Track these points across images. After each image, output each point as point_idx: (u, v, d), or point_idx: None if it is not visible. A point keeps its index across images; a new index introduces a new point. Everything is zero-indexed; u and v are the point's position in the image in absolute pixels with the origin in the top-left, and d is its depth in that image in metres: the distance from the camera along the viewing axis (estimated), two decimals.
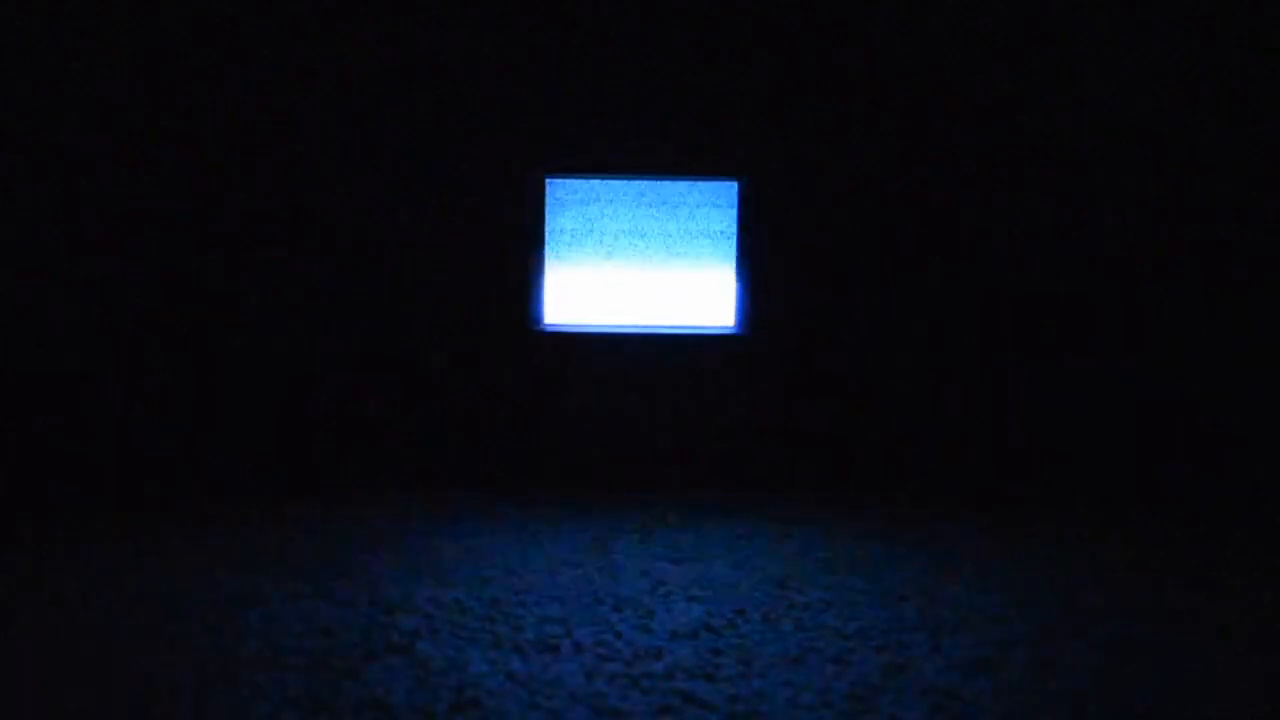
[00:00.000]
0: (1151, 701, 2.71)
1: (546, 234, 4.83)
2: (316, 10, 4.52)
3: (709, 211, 4.25)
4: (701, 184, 4.26)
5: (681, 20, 4.58)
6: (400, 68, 4.57)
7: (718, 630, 3.13)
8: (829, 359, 4.80)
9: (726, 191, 4.59)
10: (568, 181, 4.35)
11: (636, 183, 4.03)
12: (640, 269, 4.17)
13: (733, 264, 4.88)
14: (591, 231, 4.11)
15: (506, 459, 4.82)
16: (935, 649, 3.02)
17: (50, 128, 4.53)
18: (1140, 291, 4.78)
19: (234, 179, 4.60)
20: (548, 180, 4.85)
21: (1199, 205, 4.73)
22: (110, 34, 4.49)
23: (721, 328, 4.88)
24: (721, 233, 4.36)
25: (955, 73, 4.65)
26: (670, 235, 4.21)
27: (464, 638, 3.04)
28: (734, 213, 4.53)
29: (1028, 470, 4.91)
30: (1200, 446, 4.87)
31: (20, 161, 4.54)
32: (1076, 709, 2.66)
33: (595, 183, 4.23)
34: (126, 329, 4.65)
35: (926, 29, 4.62)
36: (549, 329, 4.80)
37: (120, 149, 4.56)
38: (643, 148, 4.64)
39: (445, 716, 2.57)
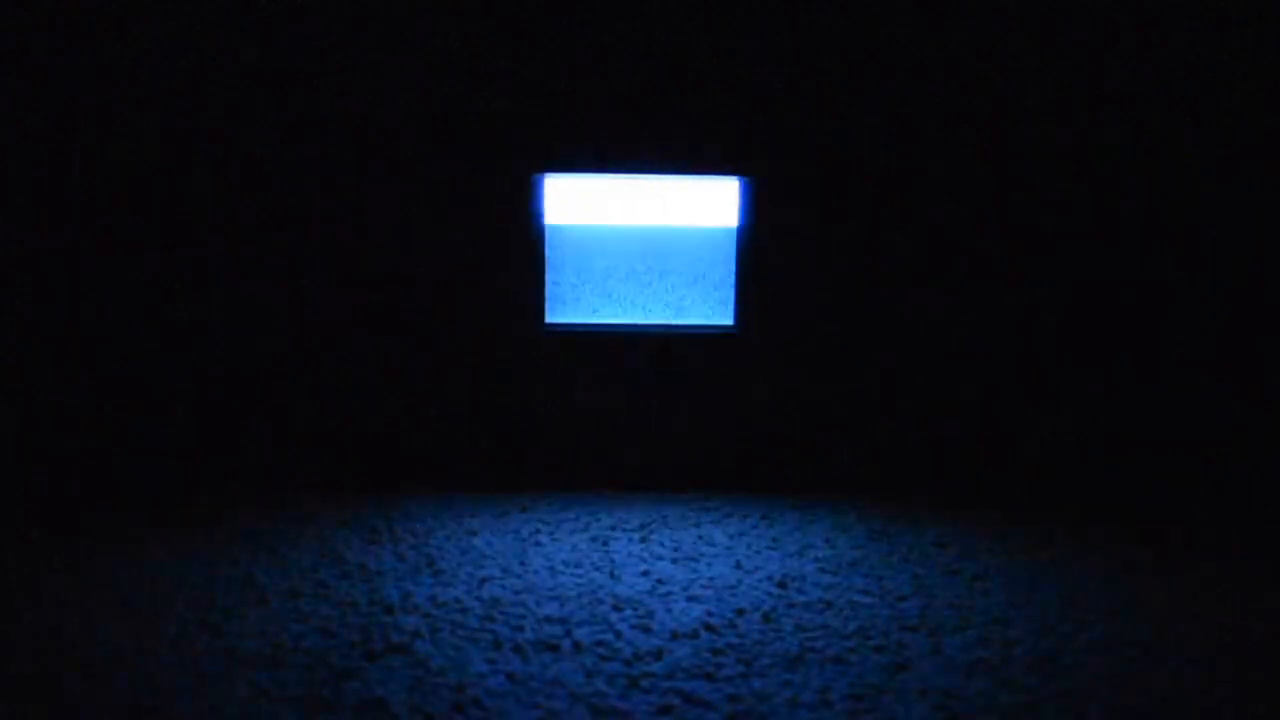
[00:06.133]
0: (1151, 701, 2.71)
1: (545, 234, 4.81)
2: (317, 11, 4.51)
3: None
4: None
5: (684, 19, 4.58)
6: (398, 68, 4.57)
7: (718, 630, 3.13)
8: (828, 358, 4.80)
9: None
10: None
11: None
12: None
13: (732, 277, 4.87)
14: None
15: (505, 458, 4.82)
16: (935, 649, 3.02)
17: (52, 128, 4.53)
18: (1143, 294, 4.78)
19: (234, 180, 4.59)
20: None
21: (1209, 212, 4.73)
22: (111, 35, 4.48)
23: (721, 326, 4.88)
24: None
25: (960, 72, 4.65)
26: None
27: (464, 637, 3.04)
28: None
29: (1027, 471, 4.91)
30: (1202, 449, 4.87)
31: (20, 161, 4.54)
32: (1076, 709, 2.66)
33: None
34: (127, 330, 4.64)
35: (931, 29, 4.61)
36: (549, 328, 4.80)
37: (120, 150, 4.55)
38: (645, 146, 4.64)
39: (445, 717, 2.57)
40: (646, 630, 3.12)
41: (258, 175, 4.60)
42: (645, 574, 3.61)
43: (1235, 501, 4.75)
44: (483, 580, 3.52)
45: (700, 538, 4.03)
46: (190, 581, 3.45)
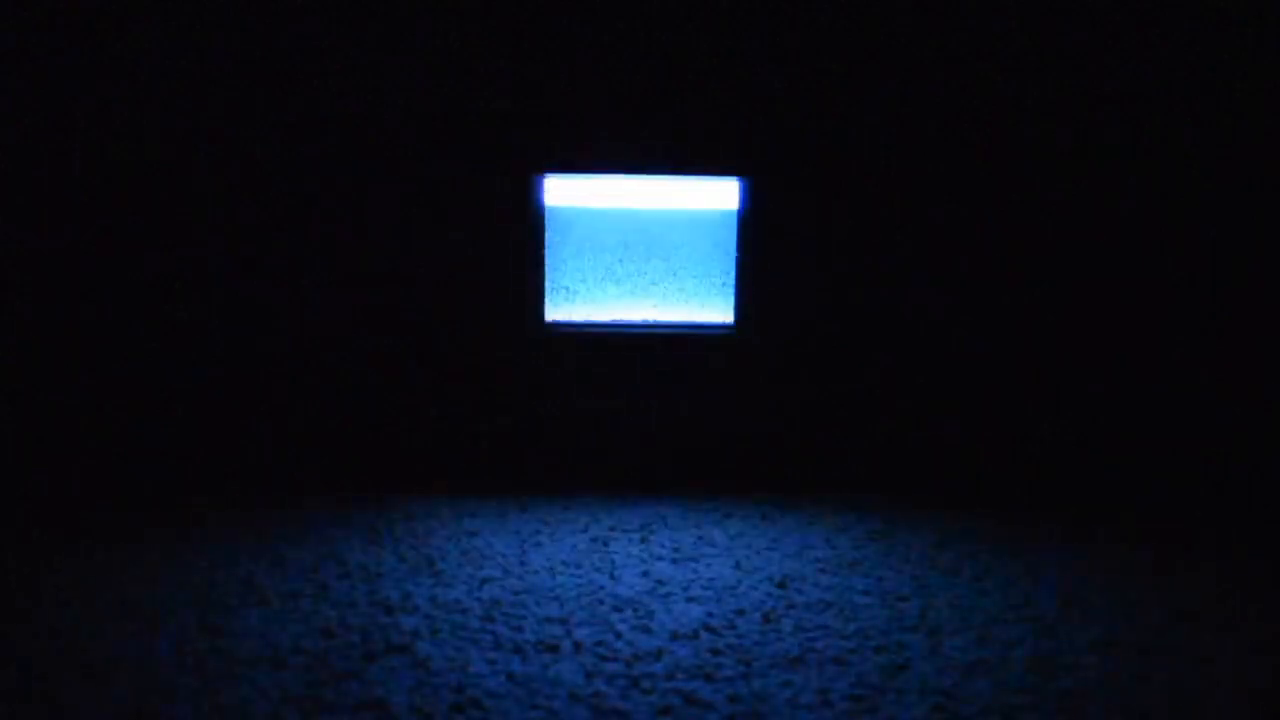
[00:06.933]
0: (1151, 701, 2.71)
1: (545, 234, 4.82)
2: (317, 11, 4.51)
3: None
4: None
5: (683, 19, 4.58)
6: (398, 67, 4.57)
7: (717, 630, 3.13)
8: (828, 358, 4.80)
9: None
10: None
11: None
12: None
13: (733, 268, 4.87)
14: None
15: (505, 458, 4.82)
16: (935, 649, 3.02)
17: (52, 128, 4.53)
18: (1143, 294, 4.78)
19: (234, 180, 4.59)
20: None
21: (1209, 212, 4.73)
22: (111, 35, 4.48)
23: (721, 325, 4.88)
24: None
25: (960, 72, 4.65)
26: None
27: (464, 638, 3.04)
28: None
29: (1027, 471, 4.91)
30: (1202, 449, 4.87)
31: (20, 160, 4.54)
32: (1076, 709, 2.66)
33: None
34: (127, 330, 4.64)
35: (931, 29, 4.61)
36: (549, 327, 4.80)
37: (120, 150, 4.55)
38: (645, 146, 4.64)
39: (445, 716, 2.57)
40: (646, 631, 3.12)
41: (258, 175, 4.60)
42: (645, 574, 3.61)
43: (1235, 501, 4.75)
44: (483, 581, 3.52)
45: (700, 538, 4.03)
46: (191, 582, 3.45)
